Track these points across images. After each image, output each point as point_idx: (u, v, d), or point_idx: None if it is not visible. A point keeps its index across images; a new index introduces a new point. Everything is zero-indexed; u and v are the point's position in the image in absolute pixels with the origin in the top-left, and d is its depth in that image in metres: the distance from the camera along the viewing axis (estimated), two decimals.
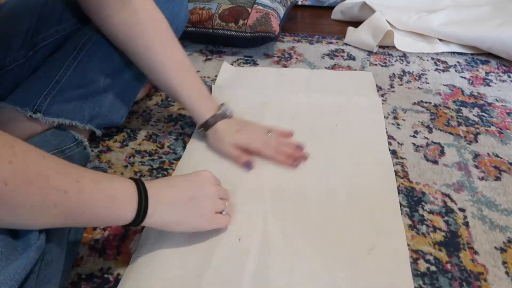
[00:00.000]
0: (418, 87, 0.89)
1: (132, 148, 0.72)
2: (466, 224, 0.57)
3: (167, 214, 0.47)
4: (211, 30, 1.02)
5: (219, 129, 0.66)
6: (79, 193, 0.39)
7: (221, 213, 0.54)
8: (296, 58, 1.02)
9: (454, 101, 0.84)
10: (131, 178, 0.46)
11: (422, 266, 0.52)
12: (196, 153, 0.70)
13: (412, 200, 0.61)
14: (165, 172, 0.67)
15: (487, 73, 0.94)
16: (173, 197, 0.48)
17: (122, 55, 0.66)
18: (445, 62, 0.99)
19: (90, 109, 0.65)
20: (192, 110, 0.67)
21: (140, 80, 0.72)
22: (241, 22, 1.00)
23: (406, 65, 0.98)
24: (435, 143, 0.73)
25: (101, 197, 0.41)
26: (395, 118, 0.79)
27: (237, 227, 0.55)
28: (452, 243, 0.55)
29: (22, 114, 0.59)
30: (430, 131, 0.76)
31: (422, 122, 0.78)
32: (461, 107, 0.82)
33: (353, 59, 1.01)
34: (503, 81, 0.91)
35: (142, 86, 0.75)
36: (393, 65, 0.98)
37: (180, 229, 0.50)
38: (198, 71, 0.96)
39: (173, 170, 0.67)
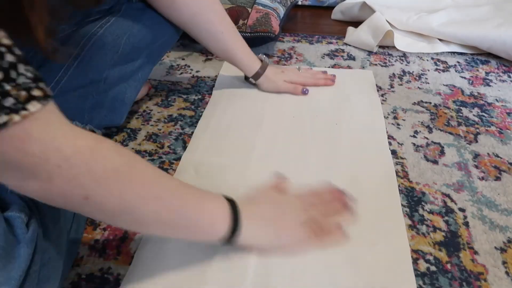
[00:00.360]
0: (418, 87, 0.89)
1: (132, 148, 0.72)
2: (466, 224, 0.57)
3: (258, 232, 0.50)
4: None
5: (270, 74, 0.83)
6: (185, 212, 0.44)
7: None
8: (296, 58, 1.02)
9: (454, 101, 0.84)
10: (225, 197, 0.48)
11: (422, 266, 0.52)
12: (197, 152, 0.70)
13: (412, 200, 0.61)
14: (165, 172, 0.67)
15: (487, 73, 0.94)
16: (261, 213, 0.51)
17: (123, 55, 0.66)
18: (445, 62, 0.99)
19: (90, 109, 0.65)
20: (245, 65, 0.82)
21: (140, 80, 0.72)
22: (241, 22, 1.00)
23: (406, 65, 0.98)
24: (435, 143, 0.73)
25: (204, 215, 0.45)
26: (395, 118, 0.79)
27: None
28: (452, 243, 0.55)
29: None
30: (430, 131, 0.76)
31: (422, 122, 0.78)
32: (461, 107, 0.82)
33: (353, 59, 1.01)
34: (503, 81, 0.91)
35: (142, 86, 0.75)
36: (393, 65, 0.98)
37: (273, 247, 0.51)
38: (198, 71, 0.96)
39: (173, 170, 0.67)
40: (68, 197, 0.36)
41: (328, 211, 0.56)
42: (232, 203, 0.48)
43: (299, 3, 1.33)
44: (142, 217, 0.41)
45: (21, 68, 0.31)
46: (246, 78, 0.86)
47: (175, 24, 0.73)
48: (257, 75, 0.82)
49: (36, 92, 0.32)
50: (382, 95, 0.86)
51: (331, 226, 0.54)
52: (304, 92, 0.84)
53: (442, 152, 0.70)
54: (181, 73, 0.95)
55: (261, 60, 0.83)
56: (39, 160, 0.33)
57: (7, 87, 0.30)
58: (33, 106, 0.31)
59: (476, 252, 0.53)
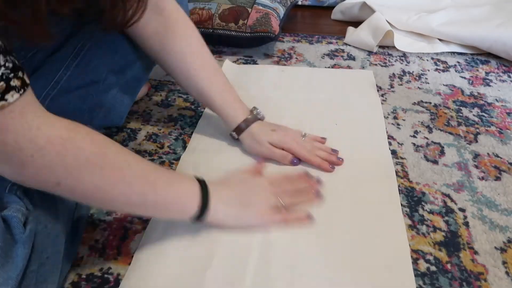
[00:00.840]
0: (418, 87, 0.89)
1: (132, 148, 0.72)
2: (466, 224, 0.57)
3: (226, 211, 0.53)
4: (211, 30, 1.02)
5: (255, 131, 0.66)
6: (155, 195, 0.46)
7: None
8: (296, 58, 1.02)
9: (454, 101, 0.84)
10: (197, 178, 0.52)
11: (422, 266, 0.52)
12: (196, 152, 0.70)
13: (412, 200, 0.61)
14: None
15: (487, 73, 0.94)
16: (230, 195, 0.54)
17: (123, 55, 0.66)
18: (445, 62, 0.99)
19: (90, 109, 0.65)
20: (225, 115, 0.67)
21: (140, 80, 0.72)
22: (241, 22, 1.00)
23: (406, 65, 0.98)
24: (435, 143, 0.73)
25: (174, 198, 0.49)
26: (395, 118, 0.79)
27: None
28: (452, 243, 0.55)
29: None
30: (430, 131, 0.76)
31: (422, 122, 0.78)
32: (461, 107, 0.82)
33: (353, 59, 1.01)
34: (503, 81, 0.91)
35: (143, 86, 0.75)
36: (393, 65, 0.98)
37: (238, 225, 0.54)
38: None
39: (173, 170, 0.67)
40: (41, 182, 0.39)
41: (298, 198, 0.58)
42: (203, 184, 0.51)
43: (299, 3, 1.33)
44: (112, 200, 0.44)
45: (1, 59, 0.32)
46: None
47: (145, 51, 0.65)
48: (239, 130, 0.67)
49: (14, 82, 0.33)
50: (382, 95, 0.86)
51: (299, 213, 0.56)
52: (293, 163, 0.65)
53: (442, 152, 0.70)
54: None
55: (251, 111, 0.67)
56: (12, 149, 0.35)
57: None
58: (11, 97, 0.32)
59: (476, 252, 0.53)
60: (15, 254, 0.38)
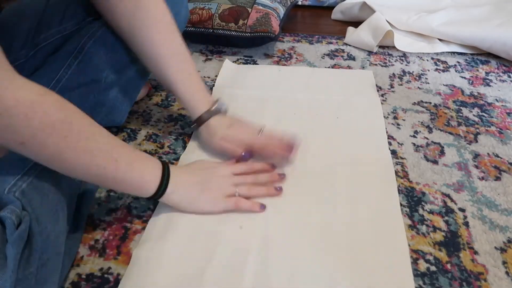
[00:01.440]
0: (418, 87, 0.89)
1: None
2: (466, 224, 0.57)
3: (182, 194, 0.55)
4: (211, 30, 1.02)
5: (211, 124, 0.66)
6: (115, 171, 0.48)
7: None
8: (296, 58, 1.02)
9: (454, 101, 0.84)
10: (161, 161, 0.54)
11: (422, 266, 0.52)
12: (196, 152, 0.70)
13: (412, 200, 0.61)
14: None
15: (487, 73, 0.94)
16: (190, 181, 0.56)
17: (123, 54, 0.66)
18: (445, 62, 0.99)
19: (91, 108, 0.65)
20: (187, 105, 0.67)
21: (141, 79, 0.72)
22: (241, 22, 1.00)
23: (406, 65, 0.98)
24: (435, 143, 0.73)
25: (132, 176, 0.50)
26: (395, 118, 0.79)
27: (238, 226, 0.56)
28: (452, 243, 0.55)
29: None
30: (430, 131, 0.76)
31: (422, 122, 0.78)
32: (461, 107, 0.82)
33: (353, 59, 1.01)
34: (503, 81, 0.91)
35: (143, 86, 0.75)
36: (393, 65, 0.98)
37: (192, 209, 0.57)
38: (198, 71, 0.95)
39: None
40: (5, 139, 0.40)
41: (257, 190, 0.60)
42: (165, 167, 0.54)
43: (299, 3, 1.33)
44: (74, 168, 0.45)
45: None
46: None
47: (116, 31, 0.64)
48: (199, 121, 0.66)
49: None
50: (382, 95, 0.86)
51: (252, 202, 0.58)
52: (244, 158, 0.64)
53: (442, 152, 0.70)
54: None
55: (213, 103, 0.66)
56: None
57: None
58: None
59: (476, 252, 0.53)
60: (7, 255, 0.38)
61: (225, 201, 0.57)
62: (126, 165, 0.49)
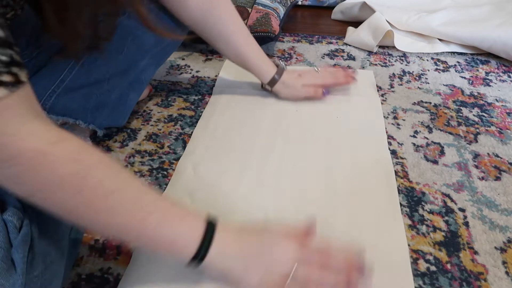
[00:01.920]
0: (418, 87, 0.89)
1: (132, 148, 0.72)
2: (466, 224, 0.57)
3: (224, 263, 0.44)
4: None
5: (287, 80, 0.79)
6: (139, 233, 0.41)
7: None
8: (296, 58, 1.02)
9: (454, 101, 0.84)
10: (208, 219, 0.44)
11: (422, 266, 0.52)
12: (196, 152, 0.70)
13: (412, 200, 0.61)
14: (165, 172, 0.67)
15: (487, 73, 0.94)
16: (238, 247, 0.44)
17: (127, 56, 0.65)
18: (445, 62, 0.99)
19: (94, 109, 0.65)
20: (259, 70, 0.78)
21: (143, 82, 0.71)
22: None
23: (406, 65, 0.98)
24: (435, 143, 0.73)
25: (161, 241, 0.42)
26: (395, 118, 0.79)
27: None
28: (452, 243, 0.55)
29: None
30: (430, 131, 0.76)
31: (422, 122, 0.78)
32: (461, 107, 0.82)
33: (353, 59, 1.01)
34: (503, 81, 0.91)
35: (146, 87, 0.75)
36: (393, 65, 0.98)
37: (234, 284, 0.45)
38: (198, 71, 0.96)
39: (173, 170, 0.67)
40: (13, 189, 0.36)
41: (329, 281, 0.44)
42: (209, 226, 0.43)
43: (299, 3, 1.33)
44: (93, 226, 0.41)
45: None
46: (262, 85, 0.82)
47: (185, 23, 0.71)
48: (273, 82, 0.78)
49: (5, 78, 0.31)
50: (382, 95, 0.86)
51: None
52: (325, 94, 0.80)
53: (442, 152, 0.70)
54: (181, 73, 0.95)
55: (277, 66, 0.79)
56: None
57: None
58: None
59: (476, 252, 0.53)
60: (14, 259, 0.38)
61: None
62: (155, 227, 0.41)
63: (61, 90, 0.61)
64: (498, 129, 0.76)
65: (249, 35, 0.76)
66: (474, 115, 0.80)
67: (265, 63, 0.78)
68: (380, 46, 1.06)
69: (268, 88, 0.81)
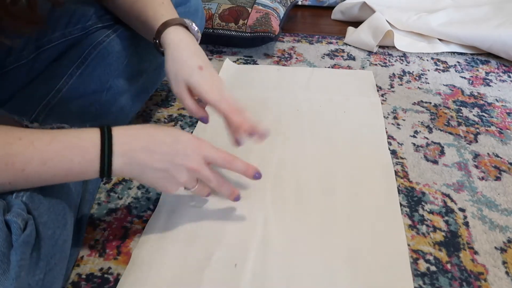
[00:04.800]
0: (418, 87, 0.89)
1: None
2: (466, 224, 0.57)
3: (133, 175, 0.46)
4: (211, 30, 1.02)
5: (182, 45, 0.52)
6: (26, 179, 0.39)
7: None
8: (296, 58, 1.02)
9: (454, 101, 0.84)
10: (100, 128, 0.43)
11: (422, 266, 0.52)
12: None
13: (412, 200, 0.61)
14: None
15: (487, 73, 0.94)
16: (143, 163, 0.45)
17: (129, 66, 0.64)
18: (445, 62, 0.99)
19: (93, 120, 0.62)
20: (151, 17, 0.55)
21: (147, 92, 0.70)
22: (241, 22, 1.00)
23: (406, 65, 0.98)
24: (435, 143, 0.73)
25: (56, 174, 0.41)
26: (395, 118, 0.79)
27: (238, 226, 0.56)
28: (452, 243, 0.55)
29: (20, 122, 0.56)
30: (430, 131, 0.76)
31: (422, 122, 0.78)
32: (461, 107, 0.82)
33: (353, 59, 1.01)
34: (503, 81, 0.91)
35: (147, 98, 0.73)
36: (393, 65, 0.98)
37: (144, 184, 0.51)
38: None
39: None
40: None
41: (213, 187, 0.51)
42: (106, 141, 0.43)
43: (299, 3, 1.33)
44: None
45: None
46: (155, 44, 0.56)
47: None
48: (158, 34, 0.54)
49: None
50: (382, 95, 0.86)
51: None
52: (203, 121, 0.57)
53: (442, 152, 0.70)
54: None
55: (183, 24, 0.56)
56: None
57: None
58: None
59: (476, 252, 0.53)
60: (11, 260, 0.37)
61: (176, 188, 0.49)
62: (41, 166, 0.40)
63: (58, 100, 0.59)
64: (498, 129, 0.76)
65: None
66: (474, 115, 0.80)
67: (159, 8, 0.56)
68: (380, 46, 1.06)
69: (157, 45, 0.56)
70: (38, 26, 0.43)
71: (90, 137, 0.42)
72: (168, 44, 0.53)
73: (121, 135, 0.44)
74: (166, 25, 0.54)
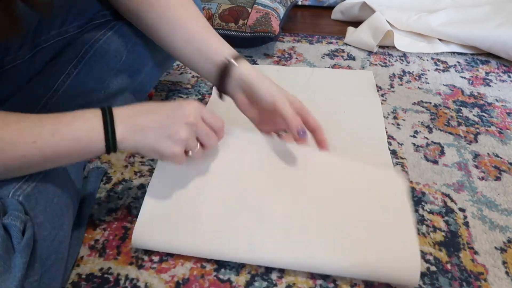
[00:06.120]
0: (418, 87, 0.89)
1: None
2: (466, 224, 0.57)
3: (136, 141, 0.47)
4: None
5: (264, 76, 0.56)
6: (40, 152, 0.41)
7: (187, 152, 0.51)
8: (296, 58, 1.02)
9: (454, 101, 0.84)
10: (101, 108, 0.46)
11: (422, 266, 0.52)
12: None
13: (412, 200, 0.61)
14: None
15: (487, 73, 0.94)
16: (143, 124, 0.47)
17: (126, 64, 0.64)
18: (445, 62, 0.99)
19: None
20: (214, 48, 0.57)
21: (147, 89, 0.70)
22: (241, 22, 1.00)
23: (406, 65, 0.98)
24: (435, 143, 0.73)
25: (66, 145, 0.43)
26: (395, 118, 0.79)
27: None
28: (452, 243, 0.55)
29: None
30: (430, 131, 0.76)
31: (422, 122, 0.78)
32: (461, 107, 0.82)
33: (353, 59, 1.01)
34: (503, 81, 0.91)
35: (146, 96, 0.72)
36: (393, 65, 0.98)
37: (151, 156, 0.52)
38: None
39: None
40: None
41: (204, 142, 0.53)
42: (108, 116, 0.45)
43: (299, 3, 1.33)
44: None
45: None
46: (219, 86, 0.59)
47: (122, 13, 0.61)
48: (240, 58, 0.56)
49: None
50: (382, 95, 0.86)
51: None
52: (300, 134, 0.56)
53: (442, 152, 0.70)
54: (181, 73, 0.95)
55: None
56: None
57: None
58: None
59: (476, 252, 0.53)
60: (13, 264, 0.37)
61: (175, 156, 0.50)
62: (50, 138, 0.42)
63: (55, 100, 0.59)
64: (498, 129, 0.76)
65: (203, 18, 0.60)
66: (474, 115, 0.80)
67: (224, 41, 0.58)
68: (380, 46, 1.06)
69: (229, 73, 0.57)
70: (19, 34, 0.44)
71: (92, 110, 0.46)
72: (249, 74, 0.57)
73: (121, 108, 0.47)
74: (238, 57, 0.57)
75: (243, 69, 0.56)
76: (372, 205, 0.55)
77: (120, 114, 0.46)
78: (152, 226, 0.54)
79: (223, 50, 0.56)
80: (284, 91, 0.57)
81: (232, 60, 0.55)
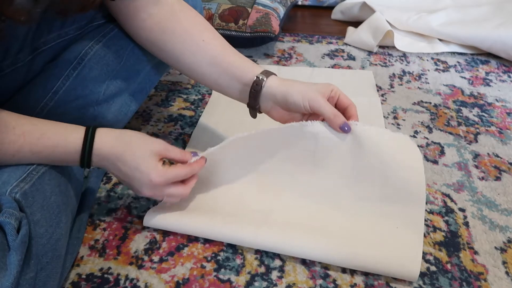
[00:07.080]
0: (418, 87, 0.89)
1: None
2: (466, 224, 0.57)
3: (107, 169, 0.51)
4: None
5: (293, 81, 0.56)
6: (17, 162, 0.45)
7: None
8: (296, 58, 1.02)
9: (454, 101, 0.84)
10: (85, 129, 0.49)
11: (422, 266, 0.52)
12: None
13: None
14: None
15: (487, 73, 0.94)
16: (113, 172, 0.51)
17: (126, 66, 0.64)
18: (445, 62, 0.99)
19: (91, 120, 0.62)
20: (242, 68, 0.58)
21: (146, 91, 0.70)
22: (241, 22, 1.00)
23: (406, 65, 0.98)
24: (435, 143, 0.73)
25: (46, 160, 0.47)
26: (395, 118, 0.79)
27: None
28: (452, 243, 0.55)
29: None
30: (430, 131, 0.76)
31: (422, 122, 0.78)
32: (461, 107, 0.82)
33: (353, 59, 1.01)
34: (503, 81, 0.91)
35: (145, 98, 0.72)
36: (393, 65, 0.98)
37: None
38: None
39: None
40: None
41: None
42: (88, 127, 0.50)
43: (299, 3, 1.33)
44: None
45: None
46: (251, 106, 0.59)
47: (143, 45, 0.63)
48: (268, 73, 0.57)
49: None
50: (382, 95, 0.86)
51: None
52: (344, 130, 0.54)
53: (442, 152, 0.70)
54: (181, 73, 0.95)
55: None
56: None
57: None
58: None
59: (476, 252, 0.53)
60: (9, 262, 0.37)
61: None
62: (30, 155, 0.46)
63: (54, 102, 0.59)
64: (498, 129, 0.76)
65: (223, 40, 0.61)
66: (474, 115, 0.80)
67: (248, 60, 0.59)
68: (380, 46, 1.06)
69: (262, 90, 0.57)
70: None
71: (75, 137, 0.49)
72: (280, 85, 0.56)
73: (103, 137, 0.50)
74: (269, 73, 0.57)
75: (272, 82, 0.56)
76: (387, 193, 0.55)
77: (98, 147, 0.49)
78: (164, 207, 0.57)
79: (249, 68, 0.57)
80: (314, 86, 0.56)
81: (262, 77, 0.56)
